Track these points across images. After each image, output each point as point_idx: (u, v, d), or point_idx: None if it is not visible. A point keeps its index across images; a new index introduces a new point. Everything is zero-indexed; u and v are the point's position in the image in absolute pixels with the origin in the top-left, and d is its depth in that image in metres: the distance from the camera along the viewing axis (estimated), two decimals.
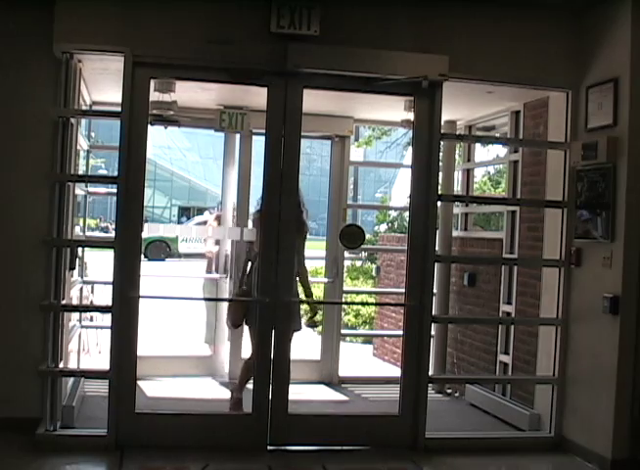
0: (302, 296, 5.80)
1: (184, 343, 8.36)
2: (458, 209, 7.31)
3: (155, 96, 5.37)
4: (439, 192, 5.32)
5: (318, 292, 8.82)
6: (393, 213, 17.59)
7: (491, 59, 5.15)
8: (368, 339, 10.02)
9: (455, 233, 7.20)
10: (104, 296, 7.39)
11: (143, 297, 4.91)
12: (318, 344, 7.29)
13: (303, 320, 5.79)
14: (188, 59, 4.79)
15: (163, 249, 22.47)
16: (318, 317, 7.09)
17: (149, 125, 5.03)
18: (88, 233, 7.40)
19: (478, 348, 6.81)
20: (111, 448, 4.73)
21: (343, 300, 7.71)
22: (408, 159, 8.48)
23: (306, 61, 4.84)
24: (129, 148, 4.79)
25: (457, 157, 7.93)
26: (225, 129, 6.28)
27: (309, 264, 6.17)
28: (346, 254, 8.23)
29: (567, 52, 5.28)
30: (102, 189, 7.59)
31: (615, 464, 4.76)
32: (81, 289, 6.47)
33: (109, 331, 4.90)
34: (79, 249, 5.70)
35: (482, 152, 12.00)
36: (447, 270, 7.09)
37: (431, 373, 5.47)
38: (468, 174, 7.43)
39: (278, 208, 5.01)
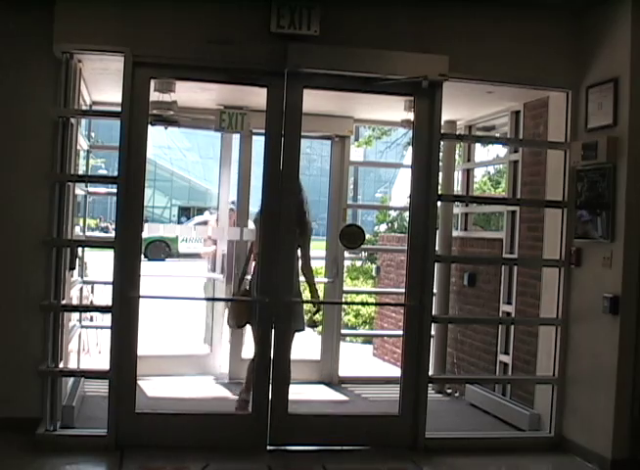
0: (308, 294, 5.79)
1: (182, 342, 8.36)
2: (458, 209, 7.31)
3: (155, 96, 5.37)
4: (439, 192, 5.32)
5: (318, 292, 8.86)
6: (393, 213, 17.60)
7: (491, 59, 5.15)
8: (368, 339, 10.02)
9: (455, 233, 7.20)
10: (104, 296, 7.39)
11: (143, 297, 4.91)
12: (318, 344, 7.28)
13: (306, 318, 5.79)
14: (188, 59, 4.79)
15: (163, 249, 22.47)
16: (318, 317, 7.11)
17: (149, 125, 5.03)
18: (88, 233, 7.40)
19: (478, 348, 6.81)
20: (111, 448, 4.73)
21: (343, 300, 7.71)
22: (408, 159, 8.48)
23: (306, 61, 4.84)
24: (129, 148, 4.79)
25: (457, 157, 7.93)
26: (225, 129, 6.27)
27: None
28: (346, 254, 8.22)
29: (567, 52, 5.28)
30: (102, 189, 7.59)
31: (615, 464, 4.76)
32: (81, 289, 6.47)
33: (109, 331, 4.90)
34: (79, 249, 5.70)
35: (482, 152, 12.00)
36: (447, 270, 7.09)
37: (431, 373, 5.47)
38: (468, 174, 7.43)
39: (278, 208, 5.01)
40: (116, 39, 4.70)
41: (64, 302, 5.00)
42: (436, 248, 5.64)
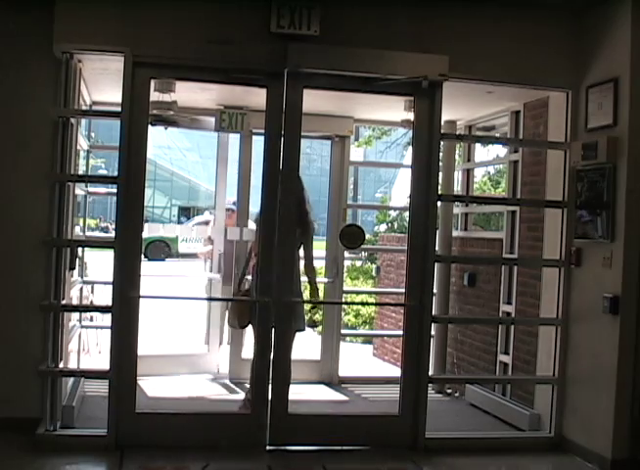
0: (308, 293, 5.79)
1: (179, 341, 8.35)
2: (458, 209, 7.31)
3: (155, 96, 5.37)
4: (439, 192, 5.32)
5: (319, 292, 8.85)
6: (393, 213, 17.59)
7: (491, 59, 5.15)
8: (368, 339, 10.02)
9: (455, 233, 7.20)
10: (104, 296, 7.39)
11: (143, 297, 4.91)
12: (318, 344, 7.28)
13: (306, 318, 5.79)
14: (188, 59, 4.79)
15: (163, 249, 22.47)
16: (318, 317, 7.10)
17: (149, 125, 5.03)
18: (88, 233, 7.40)
19: (478, 348, 6.81)
20: (111, 448, 4.73)
21: (343, 300, 7.71)
22: (408, 159, 8.48)
23: (306, 61, 4.84)
24: (129, 148, 4.79)
25: (457, 157, 7.93)
26: (225, 129, 6.27)
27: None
28: (346, 254, 8.23)
29: (567, 52, 5.28)
30: (102, 189, 7.59)
31: (615, 464, 4.76)
32: (81, 289, 6.47)
33: (109, 331, 4.90)
34: (79, 249, 5.70)
35: (482, 152, 11.99)
36: (447, 270, 7.09)
37: (431, 373, 5.47)
38: (468, 174, 7.43)
39: (278, 208, 5.02)
40: (116, 39, 4.70)
41: (64, 302, 5.00)
42: (436, 248, 5.64)
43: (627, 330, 4.80)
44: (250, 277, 5.82)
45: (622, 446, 4.78)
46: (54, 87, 4.91)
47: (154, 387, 6.35)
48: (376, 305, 9.88)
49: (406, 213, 11.79)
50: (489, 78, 5.23)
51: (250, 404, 5.43)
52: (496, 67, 5.16)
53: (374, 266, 11.53)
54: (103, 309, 5.80)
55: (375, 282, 11.16)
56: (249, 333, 5.93)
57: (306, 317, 5.93)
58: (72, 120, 4.97)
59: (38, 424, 4.81)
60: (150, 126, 5.12)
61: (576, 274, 5.25)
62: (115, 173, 4.85)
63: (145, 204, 5.08)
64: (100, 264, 8.21)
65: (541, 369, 5.63)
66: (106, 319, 6.53)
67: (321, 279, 7.31)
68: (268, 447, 4.98)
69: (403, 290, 5.34)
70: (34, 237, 4.92)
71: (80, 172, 5.98)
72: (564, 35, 5.28)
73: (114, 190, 4.86)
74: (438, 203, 5.40)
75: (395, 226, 17.13)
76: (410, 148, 5.71)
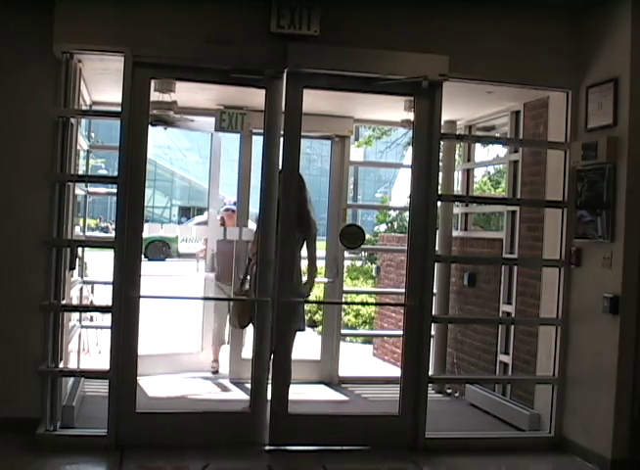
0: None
1: (172, 340, 8.34)
2: (458, 209, 7.31)
3: (155, 96, 5.37)
4: (439, 192, 5.32)
5: (318, 292, 8.79)
6: (393, 213, 17.59)
7: (491, 59, 5.15)
8: (368, 339, 10.01)
9: (455, 233, 7.20)
10: (104, 296, 7.39)
11: (143, 297, 4.91)
12: (318, 344, 7.29)
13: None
14: (188, 59, 4.79)
15: (163, 249, 22.46)
16: (318, 317, 7.08)
17: (149, 126, 5.03)
18: (88, 233, 7.40)
19: (478, 348, 6.81)
20: (111, 448, 4.73)
21: (343, 300, 7.71)
22: (408, 159, 8.48)
23: (306, 61, 4.84)
24: (129, 148, 4.79)
25: (457, 157, 7.93)
26: (225, 129, 6.28)
27: None
28: (346, 254, 8.23)
29: (567, 52, 5.28)
30: (102, 189, 7.59)
31: (615, 464, 4.76)
32: (81, 289, 6.47)
33: (109, 331, 4.90)
34: (79, 249, 5.70)
35: (482, 152, 12.00)
36: (447, 270, 7.09)
37: (431, 373, 5.48)
38: (468, 174, 7.43)
39: (277, 208, 5.03)
40: (116, 39, 4.70)
41: (64, 302, 5.00)
42: (436, 248, 5.64)
43: (627, 330, 4.80)
44: (248, 277, 5.82)
45: (622, 446, 4.78)
46: (54, 87, 4.91)
47: (149, 386, 6.34)
48: (376, 305, 9.88)
49: (406, 213, 11.79)
50: (489, 78, 5.23)
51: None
52: (496, 67, 5.16)
53: (374, 266, 11.54)
54: (103, 309, 5.80)
55: (375, 282, 11.16)
56: (249, 333, 5.92)
57: (306, 317, 5.91)
58: (72, 120, 4.97)
59: (38, 424, 4.81)
60: (150, 126, 5.12)
61: (576, 274, 5.25)
62: (115, 173, 4.85)
63: (145, 204, 5.08)
64: (100, 264, 8.21)
65: (541, 369, 5.63)
66: (106, 319, 6.53)
67: (321, 279, 7.32)
68: (268, 447, 4.98)
69: (403, 290, 5.33)
70: (34, 237, 4.92)
71: (80, 172, 5.98)
72: (564, 35, 5.28)
73: (114, 190, 4.86)
74: (438, 203, 5.40)
75: (395, 226, 17.14)
76: (410, 148, 5.71)
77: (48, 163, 4.90)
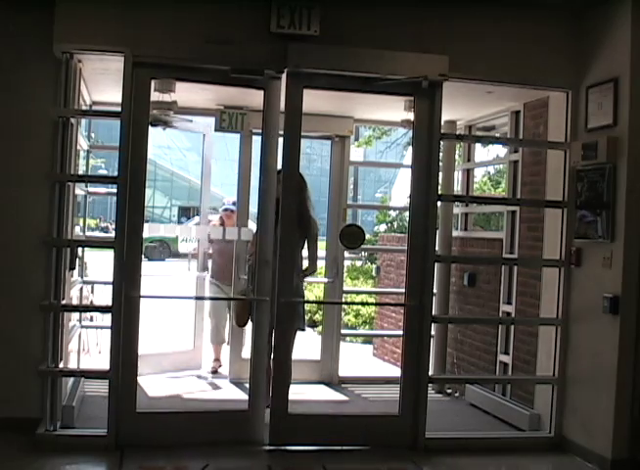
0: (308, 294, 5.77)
1: (165, 339, 8.34)
2: (458, 209, 7.31)
3: (155, 96, 5.37)
4: (439, 192, 5.32)
5: (318, 292, 8.85)
6: (393, 213, 17.59)
7: (491, 59, 5.16)
8: (368, 339, 10.01)
9: (455, 233, 7.20)
10: (104, 296, 7.39)
11: (144, 296, 4.91)
12: (318, 344, 7.29)
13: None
14: (188, 59, 4.79)
15: (163, 249, 22.46)
16: (318, 317, 7.09)
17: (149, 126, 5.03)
18: (88, 233, 7.40)
19: (478, 348, 6.81)
20: (111, 448, 4.73)
21: (343, 300, 7.71)
22: (408, 159, 8.48)
23: (306, 61, 4.84)
24: (129, 148, 4.78)
25: (457, 157, 7.93)
26: (225, 129, 6.28)
27: None
28: (346, 254, 8.22)
29: (567, 52, 5.28)
30: (102, 189, 7.59)
31: (615, 464, 4.76)
32: (81, 289, 6.47)
33: (109, 331, 4.90)
34: (79, 249, 5.70)
35: (482, 152, 12.00)
36: (447, 270, 7.09)
37: (431, 373, 5.47)
38: (468, 174, 7.43)
39: (276, 208, 5.04)
40: (116, 39, 4.70)
41: (64, 302, 5.00)
42: (436, 248, 5.64)
43: (627, 330, 4.80)
44: (245, 277, 5.83)
45: (622, 446, 4.78)
46: (54, 87, 4.91)
47: (144, 385, 6.34)
48: (376, 305, 9.88)
49: (406, 213, 11.79)
50: (489, 78, 5.23)
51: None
52: (496, 67, 5.16)
53: (374, 266, 11.54)
54: (103, 309, 5.80)
55: (375, 282, 11.16)
56: (250, 333, 5.93)
57: (306, 317, 5.92)
58: (72, 120, 4.97)
59: (38, 424, 4.81)
60: (150, 126, 5.12)
61: (576, 274, 5.25)
62: (115, 173, 4.85)
63: (145, 204, 5.08)
64: (100, 264, 8.21)
65: (541, 369, 5.63)
66: (106, 319, 6.53)
67: (321, 279, 7.32)
68: (268, 447, 4.98)
69: (403, 290, 5.33)
70: (34, 237, 4.92)
71: (80, 172, 5.98)
72: (564, 35, 5.28)
73: (115, 190, 4.86)
74: (438, 203, 5.40)
75: (395, 226, 17.14)
76: (410, 148, 5.71)
77: (48, 163, 4.90)
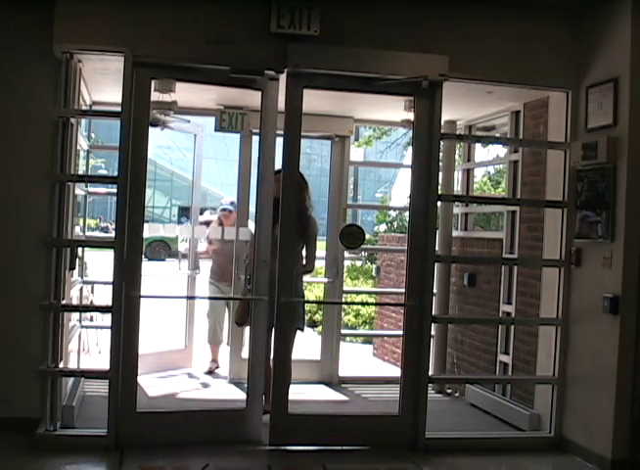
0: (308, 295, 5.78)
1: (157, 339, 8.34)
2: (458, 209, 7.31)
3: (155, 96, 5.37)
4: (439, 192, 5.32)
5: (318, 292, 8.84)
6: (393, 213, 17.60)
7: (491, 59, 5.15)
8: (368, 339, 10.02)
9: (455, 233, 7.20)
10: (104, 296, 7.39)
11: (144, 296, 4.91)
12: (318, 344, 7.29)
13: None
14: (188, 59, 4.79)
15: (163, 249, 22.45)
16: (318, 317, 7.08)
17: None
18: (88, 233, 7.40)
19: (478, 348, 6.81)
20: (111, 448, 4.73)
21: (343, 300, 7.71)
22: (408, 159, 8.48)
23: (306, 61, 4.84)
24: (129, 148, 4.78)
25: (457, 157, 7.93)
26: (225, 129, 6.28)
27: None
28: (346, 254, 8.22)
29: (567, 52, 5.28)
30: (102, 189, 7.59)
31: (615, 464, 4.76)
32: (81, 289, 6.47)
33: (109, 331, 4.90)
34: (79, 249, 5.70)
35: (482, 152, 12.00)
36: (447, 270, 7.09)
37: (431, 373, 5.47)
38: (468, 174, 7.43)
39: (274, 208, 5.05)
40: (116, 39, 4.70)
41: (64, 302, 5.00)
42: (436, 248, 5.64)
43: (627, 330, 4.80)
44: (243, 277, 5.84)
45: (622, 446, 4.78)
46: (54, 87, 4.91)
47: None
48: (376, 305, 9.88)
49: (406, 213, 11.79)
50: (489, 78, 5.23)
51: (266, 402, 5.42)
52: (496, 67, 5.16)
53: (374, 266, 11.54)
54: (103, 309, 5.81)
55: (375, 282, 11.16)
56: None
57: (306, 317, 5.92)
58: (72, 120, 4.96)
59: (38, 424, 4.81)
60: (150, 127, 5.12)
61: (576, 274, 5.25)
62: (115, 173, 4.85)
63: (145, 204, 5.08)
64: (100, 264, 8.21)
65: (541, 369, 5.63)
66: (106, 319, 6.53)
67: (321, 279, 7.32)
68: (268, 447, 4.98)
69: (403, 290, 5.33)
70: (34, 237, 4.92)
71: (80, 172, 5.98)
72: (564, 35, 5.28)
73: (115, 190, 4.86)
74: (438, 203, 5.40)
75: (395, 226, 17.14)
76: (410, 148, 5.71)
77: (48, 163, 4.90)
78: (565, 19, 5.26)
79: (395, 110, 5.99)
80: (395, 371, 6.40)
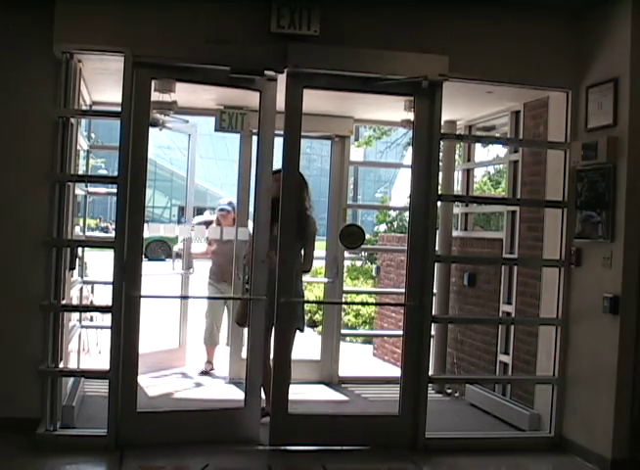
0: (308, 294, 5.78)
1: (150, 338, 8.35)
2: (458, 209, 7.31)
3: (155, 96, 5.37)
4: (439, 192, 5.32)
5: (318, 292, 8.83)
6: (393, 213, 17.60)
7: (491, 59, 5.15)
8: (368, 339, 10.01)
9: (455, 233, 7.20)
10: (104, 296, 7.39)
11: (144, 296, 4.92)
12: (318, 344, 7.29)
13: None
14: (188, 59, 4.79)
15: (163, 249, 22.44)
16: (318, 317, 7.08)
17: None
18: (88, 233, 7.40)
19: (478, 348, 6.81)
20: (111, 448, 4.73)
21: (343, 300, 7.71)
22: (408, 159, 8.48)
23: (306, 61, 4.84)
24: (129, 148, 4.78)
25: (457, 157, 7.93)
26: (225, 129, 6.28)
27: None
28: (346, 254, 8.23)
29: (567, 52, 5.28)
30: (102, 189, 7.59)
31: (615, 464, 4.76)
32: (81, 289, 6.47)
33: (109, 331, 4.90)
34: (79, 249, 5.70)
35: (482, 152, 12.01)
36: (447, 270, 7.09)
37: (431, 373, 5.47)
38: (468, 174, 7.43)
39: (272, 208, 5.06)
40: (116, 39, 4.70)
41: (64, 302, 5.00)
42: (436, 248, 5.64)
43: (627, 330, 4.80)
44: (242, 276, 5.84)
45: (622, 447, 4.78)
46: (54, 87, 4.91)
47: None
48: (376, 305, 9.88)
49: (406, 213, 11.79)
50: (489, 78, 5.23)
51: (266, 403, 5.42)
52: (496, 67, 5.15)
53: (374, 266, 11.53)
54: (103, 309, 5.81)
55: (375, 282, 11.16)
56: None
57: (306, 317, 5.92)
58: (72, 120, 4.96)
59: (38, 424, 4.81)
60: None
61: (576, 274, 5.25)
62: (115, 173, 4.85)
63: (145, 204, 5.08)
64: (100, 264, 8.21)
65: (541, 369, 5.63)
66: (106, 319, 6.53)
67: (321, 279, 7.32)
68: (268, 447, 4.98)
69: (403, 290, 5.33)
70: (34, 237, 4.92)
71: (80, 172, 5.98)
72: (564, 35, 5.28)
73: (115, 190, 4.86)
74: (438, 203, 5.40)
75: (395, 226, 17.14)
76: (410, 148, 5.71)
77: (48, 163, 4.90)
78: (565, 19, 5.26)
79: (395, 110, 5.99)
80: (395, 371, 6.40)
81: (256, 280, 5.09)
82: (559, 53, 5.28)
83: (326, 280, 7.30)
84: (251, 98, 5.60)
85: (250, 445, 4.99)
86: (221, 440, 4.92)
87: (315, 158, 39.69)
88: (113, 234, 5.04)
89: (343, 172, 7.17)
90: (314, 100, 5.35)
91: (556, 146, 5.48)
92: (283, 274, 5.02)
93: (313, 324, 10.25)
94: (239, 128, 6.26)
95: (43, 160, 4.93)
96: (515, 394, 6.07)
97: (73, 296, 5.90)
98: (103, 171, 23.08)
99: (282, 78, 4.97)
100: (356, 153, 12.13)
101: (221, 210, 7.62)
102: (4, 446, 4.65)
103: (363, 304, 10.53)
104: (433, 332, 5.73)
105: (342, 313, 8.96)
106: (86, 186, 6.10)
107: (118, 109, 4.80)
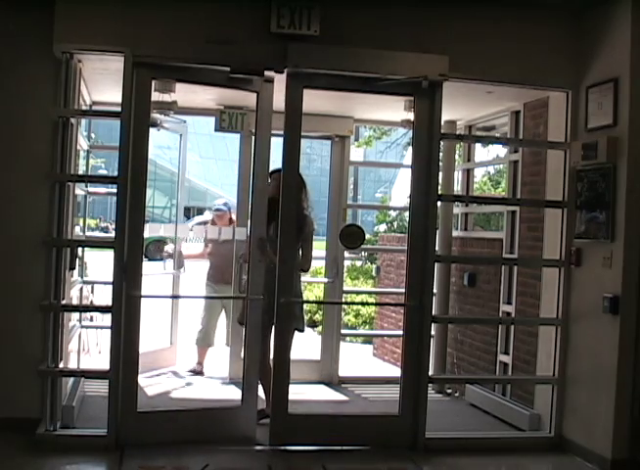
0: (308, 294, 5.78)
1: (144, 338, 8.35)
2: (458, 209, 7.31)
3: (155, 96, 5.37)
4: (439, 192, 5.32)
5: (318, 292, 8.82)
6: (393, 213, 17.60)
7: (491, 59, 5.15)
8: (368, 339, 10.01)
9: (455, 233, 7.20)
10: (104, 296, 7.38)
11: (145, 296, 4.92)
12: (318, 344, 7.29)
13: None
14: (188, 59, 4.79)
15: (163, 249, 22.43)
16: (318, 317, 7.08)
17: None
18: (88, 233, 7.40)
19: (478, 348, 6.81)
20: (111, 448, 4.73)
21: (343, 300, 7.71)
22: (408, 159, 8.48)
23: (306, 61, 4.84)
24: (129, 148, 4.78)
25: (457, 157, 7.93)
26: (225, 129, 6.28)
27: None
28: (346, 254, 8.23)
29: (567, 52, 5.28)
30: (102, 189, 7.60)
31: (615, 464, 4.76)
32: (81, 289, 6.48)
33: (109, 331, 4.90)
34: (79, 249, 5.70)
35: (482, 152, 12.00)
36: (447, 270, 7.09)
37: (431, 373, 5.47)
38: (468, 174, 7.43)
39: (269, 207, 5.08)
40: (116, 39, 4.70)
41: (64, 302, 5.00)
42: (436, 248, 5.64)
43: (627, 330, 4.80)
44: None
45: (622, 447, 4.78)
46: (54, 87, 4.91)
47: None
48: (376, 305, 9.88)
49: (406, 213, 11.79)
50: (489, 78, 5.23)
51: (266, 404, 5.41)
52: (496, 67, 5.16)
53: (374, 266, 11.53)
54: (103, 309, 5.81)
55: (375, 282, 11.16)
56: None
57: (306, 317, 5.92)
58: (72, 120, 4.97)
59: (38, 424, 4.81)
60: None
61: (576, 274, 5.25)
62: (115, 173, 4.85)
63: (145, 204, 5.08)
64: (100, 264, 8.20)
65: (541, 369, 5.63)
66: (106, 319, 6.53)
67: (321, 279, 7.31)
68: (268, 447, 4.98)
69: (403, 290, 5.33)
70: (34, 237, 4.92)
71: (80, 172, 5.98)
72: (564, 35, 5.28)
73: (115, 190, 4.86)
74: (438, 203, 5.40)
75: (395, 226, 17.14)
76: (410, 148, 5.71)
77: (48, 163, 4.90)
78: (565, 19, 5.26)
79: (395, 110, 5.99)
80: (395, 371, 6.40)
81: (253, 279, 5.08)
82: (559, 53, 5.28)
83: (326, 280, 7.30)
84: (250, 98, 5.59)
85: (247, 443, 4.98)
86: (218, 438, 4.91)
87: (315, 158, 39.70)
88: (113, 234, 5.04)
89: (343, 172, 7.17)
90: (314, 100, 5.35)
91: (556, 146, 5.48)
92: (283, 274, 5.02)
93: (313, 324, 10.25)
94: (239, 128, 6.27)
95: (43, 160, 4.93)
96: (515, 394, 6.07)
97: (73, 296, 5.90)
98: (103, 171, 23.08)
99: (282, 78, 4.97)
100: (356, 153, 12.14)
101: (217, 210, 7.61)
102: (4, 446, 4.65)
103: (363, 304, 10.53)
104: (433, 332, 5.73)
105: (343, 313, 8.96)
106: (86, 186, 6.10)
107: (118, 109, 4.80)
